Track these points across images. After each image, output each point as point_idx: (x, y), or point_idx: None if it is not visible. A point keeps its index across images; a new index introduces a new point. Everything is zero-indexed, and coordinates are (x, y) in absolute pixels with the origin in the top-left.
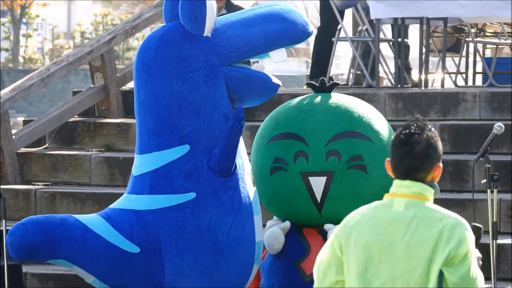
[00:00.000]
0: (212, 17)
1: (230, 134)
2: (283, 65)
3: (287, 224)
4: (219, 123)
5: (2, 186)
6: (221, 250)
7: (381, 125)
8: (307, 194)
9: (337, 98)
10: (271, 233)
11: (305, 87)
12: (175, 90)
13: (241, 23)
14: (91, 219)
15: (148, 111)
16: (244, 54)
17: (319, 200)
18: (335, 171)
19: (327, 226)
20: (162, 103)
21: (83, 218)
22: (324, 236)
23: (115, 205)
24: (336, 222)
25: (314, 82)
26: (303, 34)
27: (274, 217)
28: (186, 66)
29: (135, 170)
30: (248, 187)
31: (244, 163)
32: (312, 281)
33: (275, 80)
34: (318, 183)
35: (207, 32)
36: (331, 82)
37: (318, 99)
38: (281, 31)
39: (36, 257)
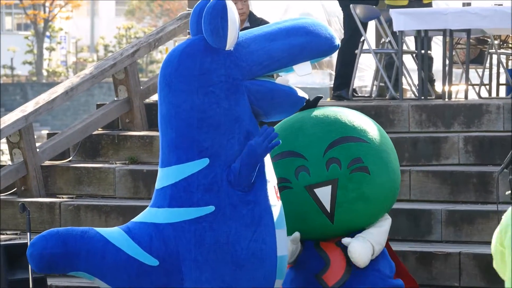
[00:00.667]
0: (234, 31)
1: (256, 150)
2: (306, 78)
3: (297, 235)
4: (240, 137)
5: (27, 199)
6: (240, 263)
7: (371, 127)
8: (316, 206)
9: (323, 110)
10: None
11: (328, 99)
12: (195, 104)
13: (264, 37)
14: (112, 232)
15: (169, 124)
16: (267, 68)
17: (329, 210)
18: (339, 178)
19: (345, 241)
20: (182, 116)
21: (103, 231)
22: (342, 247)
23: (137, 218)
24: (350, 229)
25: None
26: (328, 48)
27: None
28: (206, 80)
29: (157, 184)
30: (271, 201)
31: (268, 176)
32: None
33: (301, 93)
34: (324, 193)
35: (230, 46)
36: (315, 96)
37: (307, 114)
38: (305, 45)
39: (56, 269)
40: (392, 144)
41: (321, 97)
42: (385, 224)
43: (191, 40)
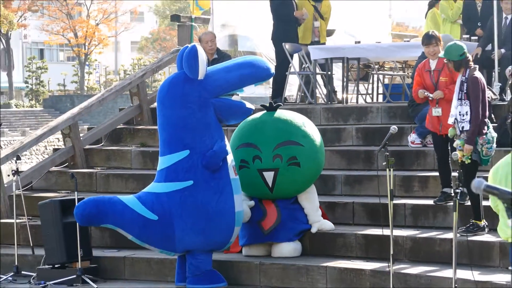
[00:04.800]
0: (203, 66)
1: (218, 154)
2: (254, 89)
3: (252, 203)
4: (209, 135)
5: (74, 170)
6: (211, 217)
7: (311, 131)
8: (263, 183)
9: (280, 115)
10: None
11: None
12: (179, 115)
13: (223, 69)
14: (128, 198)
15: (163, 128)
16: (226, 90)
17: (270, 186)
18: (279, 168)
19: (312, 230)
20: (171, 123)
21: (122, 197)
22: (276, 204)
23: (146, 189)
24: (283, 197)
25: (265, 104)
26: (266, 75)
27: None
28: (186, 99)
29: (158, 166)
30: (231, 176)
31: (229, 160)
32: (268, 235)
33: (249, 105)
34: (269, 176)
35: (201, 76)
36: (276, 104)
37: (267, 117)
38: (251, 74)
39: (92, 223)
40: (322, 142)
41: (280, 105)
42: (312, 195)
43: (176, 74)
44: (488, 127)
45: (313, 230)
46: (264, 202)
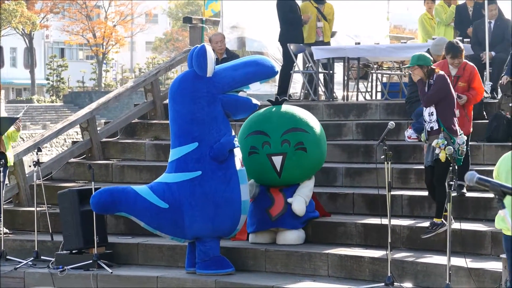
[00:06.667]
0: (212, 64)
1: (225, 146)
2: (260, 87)
3: (251, 181)
4: (217, 129)
5: (92, 162)
6: (218, 205)
7: (314, 122)
8: (271, 167)
9: (286, 108)
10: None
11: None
12: (189, 110)
13: (231, 67)
14: (141, 188)
15: (174, 122)
16: (232, 87)
17: (279, 170)
18: (287, 153)
19: (289, 200)
20: (181, 117)
21: (135, 187)
22: (283, 193)
23: (158, 179)
24: (290, 182)
25: (272, 99)
26: (271, 73)
27: (251, 181)
28: (195, 95)
29: (170, 158)
30: (237, 167)
31: (236, 152)
32: (276, 222)
33: (255, 101)
34: (277, 160)
35: (209, 74)
36: (282, 98)
37: (274, 109)
38: (256, 72)
39: (107, 211)
40: (324, 133)
41: (286, 100)
42: (310, 183)
43: (186, 72)
44: (459, 132)
45: (289, 200)
46: (272, 191)
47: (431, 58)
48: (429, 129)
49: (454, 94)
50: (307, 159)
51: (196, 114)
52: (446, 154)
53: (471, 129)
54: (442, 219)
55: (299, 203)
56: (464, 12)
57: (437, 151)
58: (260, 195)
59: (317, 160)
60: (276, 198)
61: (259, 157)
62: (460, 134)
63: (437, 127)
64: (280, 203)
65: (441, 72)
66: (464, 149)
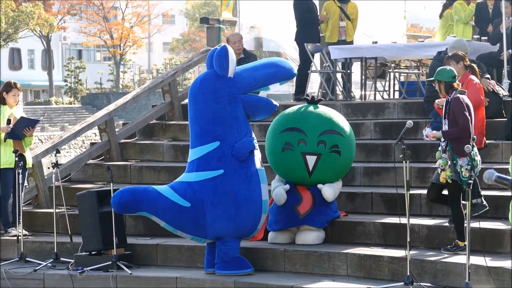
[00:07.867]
0: (233, 65)
1: (245, 145)
2: (279, 87)
3: (288, 186)
4: (238, 128)
5: (110, 163)
6: (239, 204)
7: (348, 127)
8: (304, 166)
9: (322, 108)
10: (278, 193)
11: (292, 100)
12: (210, 109)
13: (251, 68)
14: (162, 187)
15: (195, 121)
16: (253, 87)
17: (311, 170)
18: (322, 153)
19: (319, 186)
20: (203, 116)
21: (157, 187)
22: (311, 191)
23: (178, 179)
24: (318, 182)
25: (307, 98)
26: (290, 75)
27: (276, 177)
28: (217, 95)
29: (189, 159)
30: (257, 166)
31: (256, 153)
32: (303, 219)
33: (274, 102)
34: (311, 160)
35: (230, 74)
36: (318, 98)
37: (311, 108)
38: (276, 73)
39: (128, 211)
40: (354, 137)
41: (322, 99)
42: (339, 184)
43: (207, 72)
44: (473, 150)
45: (320, 186)
46: (300, 189)
47: (454, 74)
48: (443, 145)
49: (471, 115)
50: (339, 162)
51: (218, 113)
52: (446, 175)
53: (483, 144)
54: (465, 243)
55: (330, 189)
56: (484, 10)
57: (438, 171)
58: (288, 192)
59: (348, 165)
60: (304, 195)
61: (293, 154)
62: (467, 156)
63: (444, 145)
64: (309, 200)
65: (459, 95)
66: (469, 172)
